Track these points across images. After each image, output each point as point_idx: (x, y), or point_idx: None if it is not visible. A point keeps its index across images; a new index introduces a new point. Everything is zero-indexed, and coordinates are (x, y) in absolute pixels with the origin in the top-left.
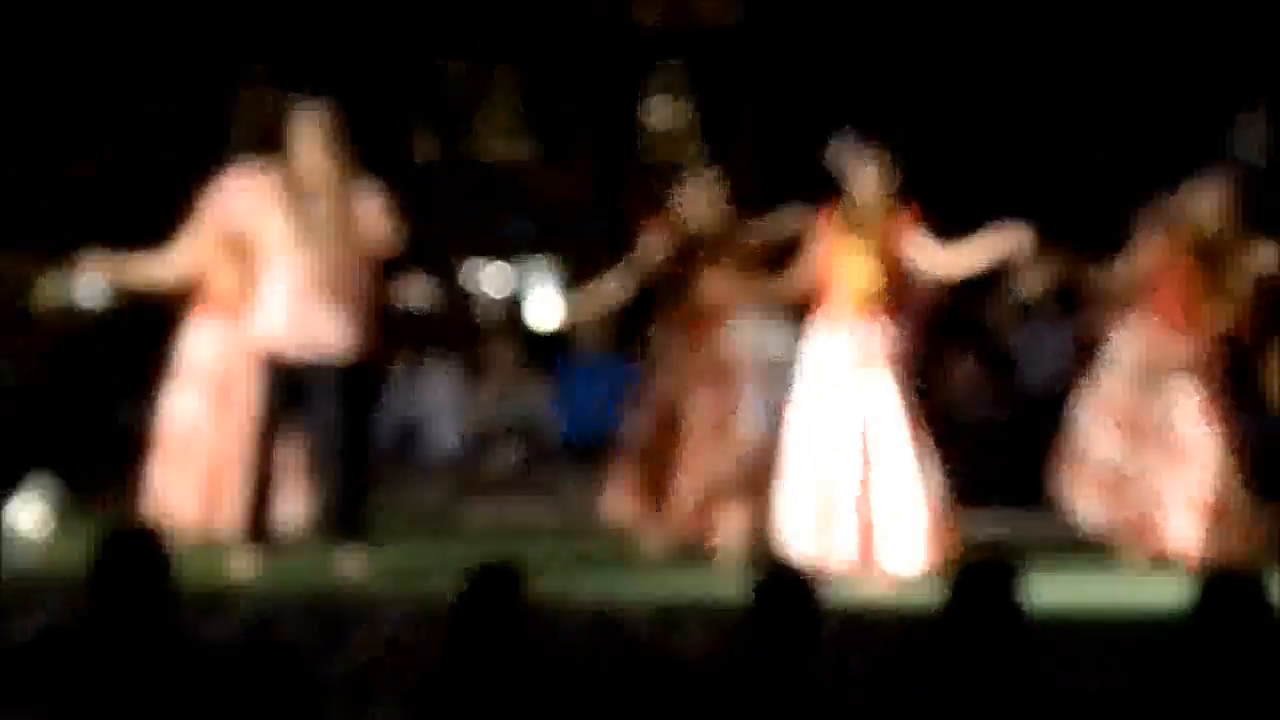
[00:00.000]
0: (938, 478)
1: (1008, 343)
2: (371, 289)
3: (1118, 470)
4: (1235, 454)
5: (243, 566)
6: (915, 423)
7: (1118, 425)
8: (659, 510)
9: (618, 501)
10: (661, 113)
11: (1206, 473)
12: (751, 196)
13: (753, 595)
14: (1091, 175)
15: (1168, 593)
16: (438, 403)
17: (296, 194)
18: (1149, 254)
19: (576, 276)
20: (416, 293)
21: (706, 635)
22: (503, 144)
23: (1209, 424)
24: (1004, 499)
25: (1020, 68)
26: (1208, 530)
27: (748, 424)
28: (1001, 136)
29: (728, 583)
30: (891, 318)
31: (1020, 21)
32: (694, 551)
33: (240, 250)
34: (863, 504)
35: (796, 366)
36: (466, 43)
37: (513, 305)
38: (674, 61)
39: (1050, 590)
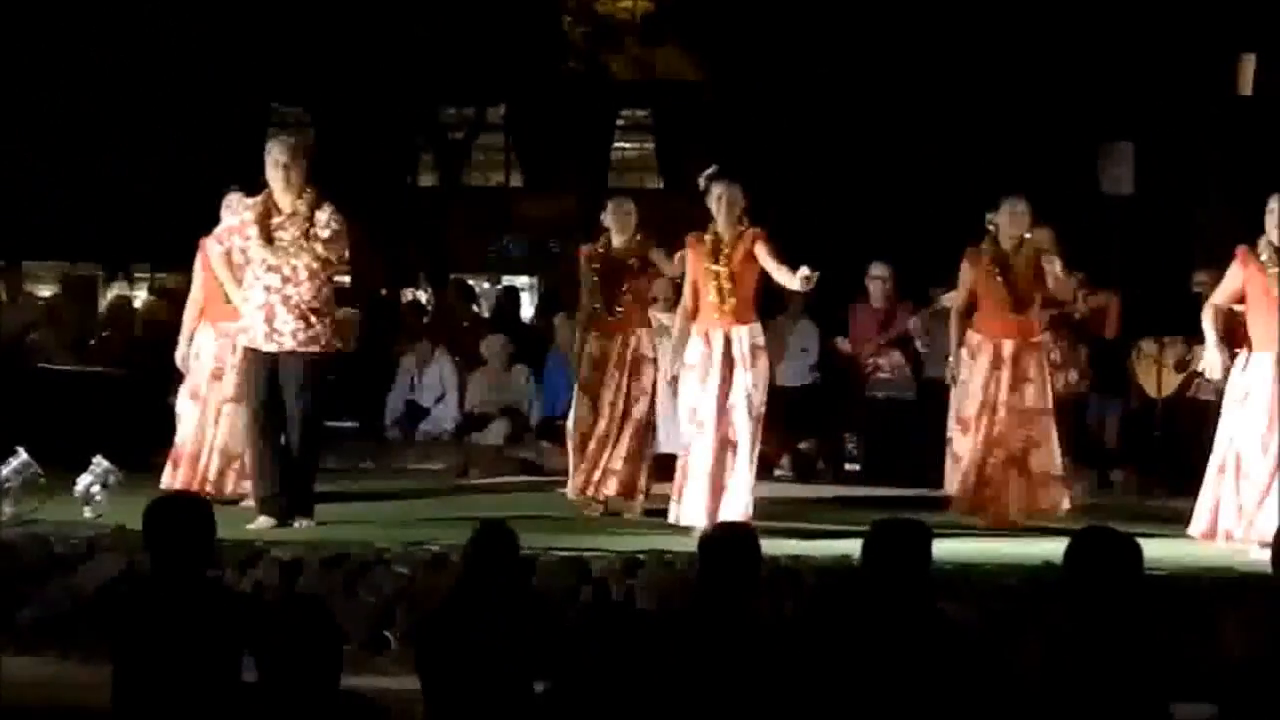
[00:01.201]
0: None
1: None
2: (330, 295)
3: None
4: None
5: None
6: (758, 411)
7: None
8: (592, 481)
9: (576, 480)
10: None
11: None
12: (703, 218)
13: (702, 547)
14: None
15: (1045, 548)
16: (440, 388)
17: (269, 218)
18: (966, 275)
19: (557, 287)
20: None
21: (662, 580)
22: (493, 173)
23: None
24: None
25: (924, 115)
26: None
27: (650, 407)
28: (908, 171)
29: (679, 539)
30: (750, 324)
31: (922, 78)
32: (651, 514)
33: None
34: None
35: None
36: (463, 88)
37: (505, 307)
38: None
39: (950, 543)
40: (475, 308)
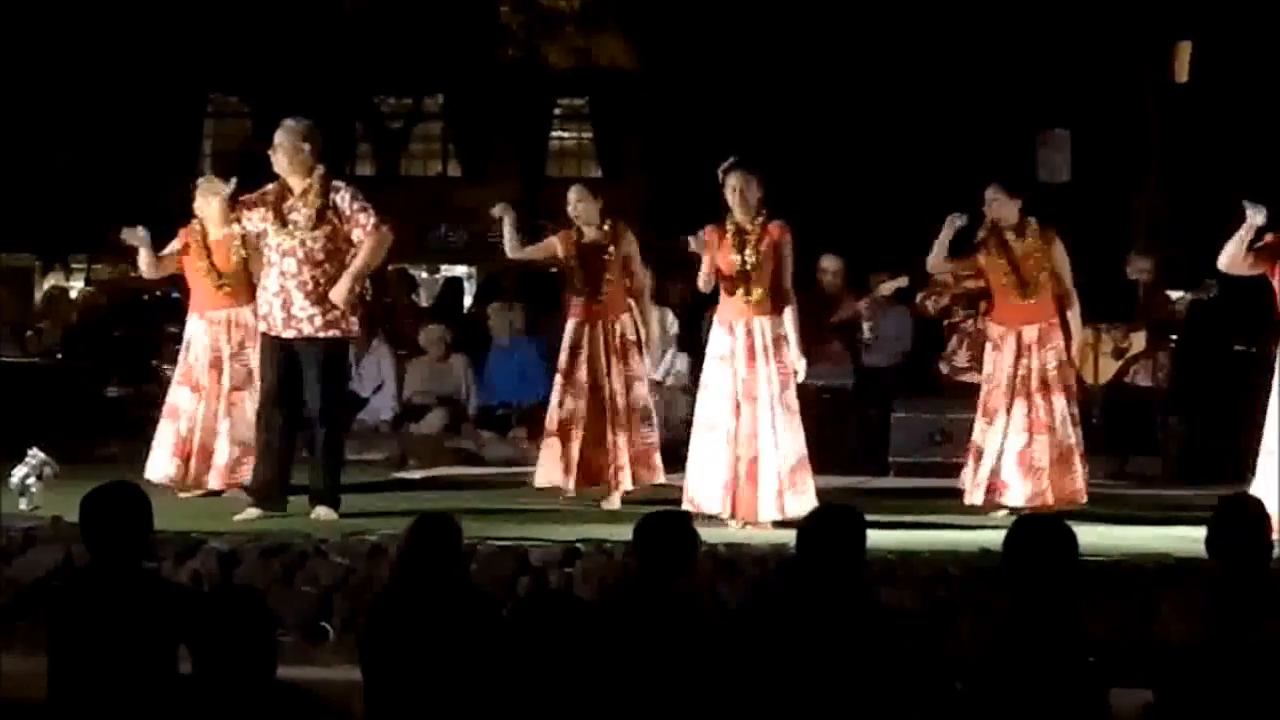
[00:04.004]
0: (799, 443)
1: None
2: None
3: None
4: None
5: (249, 518)
6: (786, 400)
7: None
8: (593, 471)
9: (552, 470)
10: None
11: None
12: (641, 208)
13: (637, 534)
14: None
15: (983, 536)
16: (378, 377)
17: (283, 201)
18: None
19: (493, 277)
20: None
21: (600, 568)
22: (431, 163)
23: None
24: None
25: (862, 105)
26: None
27: (645, 391)
28: (847, 161)
29: (621, 528)
30: (771, 316)
31: (859, 67)
32: (597, 502)
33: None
34: (753, 464)
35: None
36: (401, 77)
37: (448, 297)
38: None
39: (889, 532)
40: (415, 297)
